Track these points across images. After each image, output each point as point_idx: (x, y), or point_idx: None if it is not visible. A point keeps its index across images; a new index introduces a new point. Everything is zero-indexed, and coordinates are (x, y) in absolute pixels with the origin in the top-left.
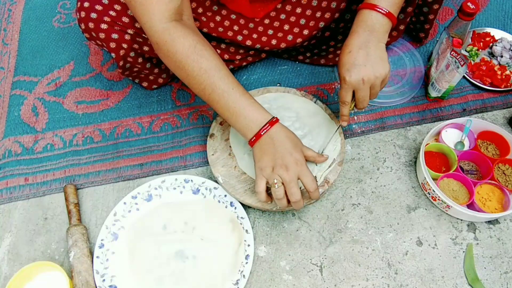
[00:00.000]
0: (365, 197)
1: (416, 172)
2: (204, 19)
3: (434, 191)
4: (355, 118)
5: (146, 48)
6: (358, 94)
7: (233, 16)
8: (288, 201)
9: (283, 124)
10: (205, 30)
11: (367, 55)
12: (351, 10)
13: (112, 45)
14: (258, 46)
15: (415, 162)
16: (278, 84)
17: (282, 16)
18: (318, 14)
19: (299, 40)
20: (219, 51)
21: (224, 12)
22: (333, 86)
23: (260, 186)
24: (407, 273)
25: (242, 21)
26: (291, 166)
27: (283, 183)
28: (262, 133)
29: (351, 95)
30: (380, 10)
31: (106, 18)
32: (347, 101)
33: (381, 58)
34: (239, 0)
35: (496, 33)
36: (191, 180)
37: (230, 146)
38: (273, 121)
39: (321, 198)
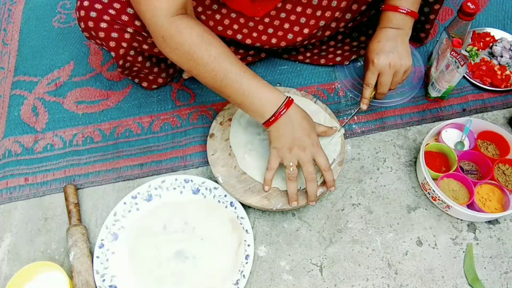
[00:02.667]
0: (365, 197)
1: (416, 172)
2: (203, 17)
3: (434, 191)
4: (355, 118)
5: (145, 47)
6: (382, 78)
7: (233, 15)
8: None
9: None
10: None
11: (395, 46)
12: (352, 10)
13: (112, 44)
14: (258, 44)
15: (415, 162)
16: (278, 84)
17: (283, 15)
18: (319, 13)
19: (299, 39)
20: None
21: (224, 10)
22: (333, 86)
23: (274, 164)
24: (407, 273)
25: (242, 20)
26: (308, 147)
27: (297, 165)
28: (282, 113)
29: (376, 79)
30: (402, 11)
31: (106, 17)
32: (371, 83)
33: (407, 51)
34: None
35: (496, 33)
36: (191, 180)
37: (230, 146)
38: (289, 100)
39: (321, 198)
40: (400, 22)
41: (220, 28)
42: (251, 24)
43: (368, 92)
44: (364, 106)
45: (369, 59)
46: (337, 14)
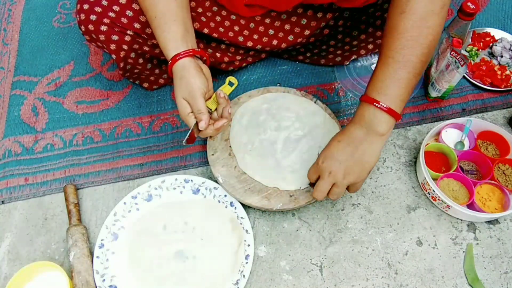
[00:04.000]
0: (365, 197)
1: (416, 172)
2: (203, 19)
3: (434, 191)
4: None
5: (146, 48)
6: (320, 182)
7: (233, 17)
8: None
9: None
10: (206, 31)
11: (351, 156)
12: (350, 8)
13: (113, 46)
14: (259, 46)
15: (415, 162)
16: (278, 84)
17: (283, 16)
18: (320, 14)
19: (300, 40)
20: (219, 53)
21: (224, 12)
22: (333, 86)
23: (313, 176)
24: (407, 273)
25: (242, 21)
26: (354, 177)
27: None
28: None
29: (315, 177)
30: (379, 106)
31: (106, 20)
32: (311, 179)
33: (362, 166)
34: (235, 2)
35: (496, 33)
36: (191, 180)
37: (230, 146)
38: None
39: None
40: (373, 119)
41: (221, 29)
42: (251, 25)
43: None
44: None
45: (320, 155)
46: (337, 14)
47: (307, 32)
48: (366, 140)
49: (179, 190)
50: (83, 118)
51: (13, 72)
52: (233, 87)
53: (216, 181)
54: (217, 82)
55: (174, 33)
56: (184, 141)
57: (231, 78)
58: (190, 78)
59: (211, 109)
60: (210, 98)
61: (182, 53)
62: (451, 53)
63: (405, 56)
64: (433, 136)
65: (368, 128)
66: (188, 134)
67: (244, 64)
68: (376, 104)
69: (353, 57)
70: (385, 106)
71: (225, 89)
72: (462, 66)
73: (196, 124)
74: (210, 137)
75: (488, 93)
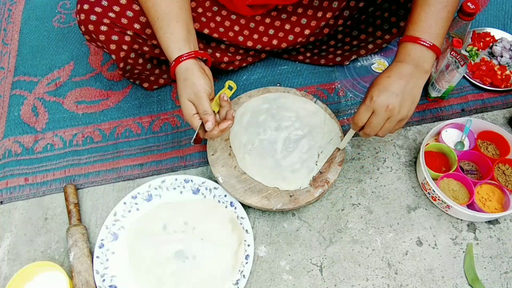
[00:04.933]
0: (365, 197)
1: (416, 172)
2: (203, 19)
3: (434, 191)
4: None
5: (146, 48)
6: (373, 119)
7: (233, 17)
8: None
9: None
10: (206, 31)
11: (404, 88)
12: (350, 7)
13: (112, 46)
14: (259, 46)
15: (415, 162)
16: (278, 84)
17: (283, 16)
18: (320, 14)
19: (300, 39)
20: (218, 53)
21: (224, 12)
22: (333, 86)
23: (364, 116)
24: (407, 273)
25: (242, 21)
26: (406, 111)
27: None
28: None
29: (367, 117)
30: (424, 43)
31: (106, 20)
32: (361, 121)
33: (413, 100)
34: (236, 2)
35: (496, 33)
36: (191, 180)
37: (230, 146)
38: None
39: (321, 198)
40: (419, 57)
41: (221, 29)
42: (252, 25)
43: (352, 132)
44: (342, 145)
45: (369, 93)
46: (337, 13)
47: (307, 31)
48: (415, 76)
49: (179, 190)
50: (83, 118)
51: (13, 72)
52: (232, 91)
53: (216, 181)
54: (217, 82)
55: (176, 35)
56: (192, 142)
57: (230, 83)
58: (195, 80)
59: (214, 111)
60: (212, 100)
61: (185, 55)
62: (451, 53)
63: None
64: (433, 136)
65: (416, 65)
66: (195, 135)
67: (244, 64)
68: (423, 43)
69: (353, 57)
70: (430, 43)
71: (225, 91)
72: (462, 66)
73: (202, 125)
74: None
75: (488, 93)
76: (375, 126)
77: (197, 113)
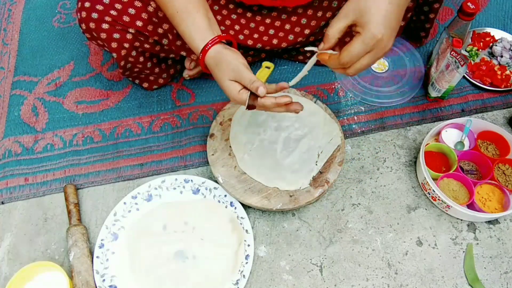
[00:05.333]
0: (365, 197)
1: (416, 172)
2: None
3: (434, 191)
4: (355, 118)
5: (147, 46)
6: (367, 60)
7: (234, 16)
8: None
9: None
10: None
11: (397, 24)
12: None
13: (114, 45)
14: (259, 45)
15: (415, 162)
16: None
17: (284, 16)
18: (320, 14)
19: (300, 39)
20: None
21: (224, 12)
22: (333, 86)
23: (360, 55)
24: (407, 273)
25: (243, 21)
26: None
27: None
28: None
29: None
30: None
31: (107, 18)
32: (353, 60)
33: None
34: None
35: (496, 33)
36: (191, 180)
37: (230, 146)
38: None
39: (321, 198)
40: None
41: (222, 28)
42: (252, 25)
43: (328, 47)
44: (293, 83)
45: (368, 28)
46: (337, 13)
47: (307, 31)
48: (403, 8)
49: (179, 190)
50: (83, 118)
51: (13, 72)
52: (270, 70)
53: (216, 181)
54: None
55: (198, 25)
56: (245, 107)
57: (266, 63)
58: (228, 58)
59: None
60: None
61: (210, 42)
62: (451, 53)
63: None
64: (433, 136)
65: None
66: (246, 103)
67: None
68: None
69: None
70: None
71: (263, 73)
72: (462, 66)
73: (250, 96)
74: (211, 137)
75: (488, 93)
76: (365, 67)
77: (243, 87)
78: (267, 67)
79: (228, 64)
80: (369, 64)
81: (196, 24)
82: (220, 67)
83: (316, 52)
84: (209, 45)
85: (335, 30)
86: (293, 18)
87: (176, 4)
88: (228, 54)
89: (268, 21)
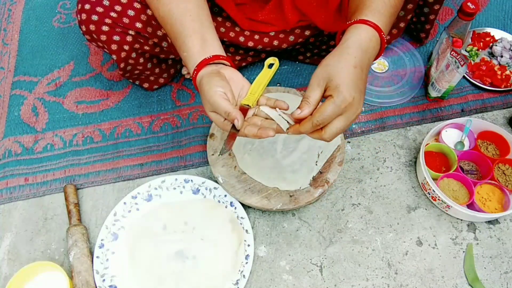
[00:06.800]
0: (365, 197)
1: (416, 172)
2: None
3: (434, 191)
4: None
5: (147, 48)
6: (340, 123)
7: None
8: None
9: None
10: None
11: (364, 85)
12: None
13: (114, 47)
14: (260, 47)
15: (415, 162)
16: (278, 84)
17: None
18: None
19: (300, 40)
20: None
21: (224, 14)
22: None
23: (331, 118)
24: (407, 273)
25: None
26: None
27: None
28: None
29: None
30: (376, 28)
31: (107, 20)
32: (326, 122)
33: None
34: (226, 2)
35: (496, 33)
36: (191, 180)
37: None
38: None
39: (321, 198)
40: (373, 45)
41: (222, 29)
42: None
43: (307, 112)
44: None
45: (340, 91)
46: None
47: (307, 32)
48: (367, 69)
49: (179, 190)
50: (83, 118)
51: (13, 72)
52: (273, 68)
53: (216, 181)
54: None
55: (191, 50)
56: (219, 153)
57: (270, 60)
58: (206, 88)
59: (248, 105)
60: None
61: (196, 69)
62: (451, 53)
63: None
64: (433, 136)
65: (370, 57)
66: (223, 143)
67: (244, 64)
68: (382, 34)
69: None
70: (387, 39)
71: (264, 74)
72: (462, 66)
73: (233, 127)
74: (211, 137)
75: (488, 93)
76: (341, 130)
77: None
78: (270, 65)
79: (205, 96)
80: (343, 127)
81: (190, 50)
82: (202, 98)
83: (288, 128)
84: (195, 72)
85: (313, 100)
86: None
87: (174, 29)
88: (205, 84)
89: None
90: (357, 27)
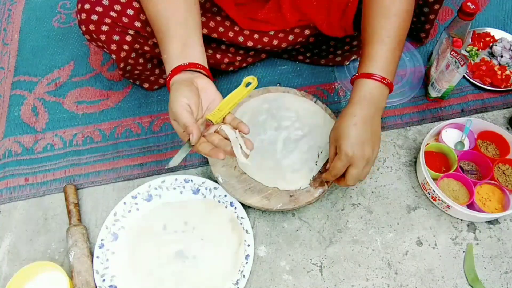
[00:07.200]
0: (365, 197)
1: (416, 172)
2: (203, 19)
3: (434, 191)
4: None
5: (147, 48)
6: (353, 171)
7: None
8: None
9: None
10: (205, 31)
11: (371, 133)
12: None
13: (113, 46)
14: (259, 46)
15: (415, 162)
16: (278, 84)
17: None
18: None
19: (300, 39)
20: (219, 54)
21: (224, 13)
22: (333, 86)
23: (341, 171)
24: (407, 273)
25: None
26: (377, 150)
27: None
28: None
29: (344, 170)
30: (384, 81)
31: (107, 20)
32: (339, 173)
33: (378, 137)
34: (225, 2)
35: (496, 33)
36: (191, 180)
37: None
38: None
39: (321, 198)
40: (380, 95)
41: (221, 29)
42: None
43: (331, 178)
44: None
45: (342, 149)
46: None
47: (307, 32)
48: (377, 115)
49: (179, 190)
50: (83, 118)
51: (13, 72)
52: (250, 87)
53: (216, 181)
54: (217, 82)
55: (170, 54)
56: (167, 164)
57: (249, 79)
58: (172, 97)
59: (211, 121)
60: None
61: (171, 72)
62: (451, 53)
63: (400, 36)
64: (433, 136)
65: (376, 104)
66: (177, 154)
67: (244, 65)
68: (384, 81)
69: (353, 57)
70: (389, 81)
71: (238, 92)
72: (462, 66)
73: (189, 141)
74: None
75: (488, 93)
76: (357, 176)
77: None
78: (249, 83)
79: (170, 103)
80: (358, 173)
81: (169, 54)
82: (169, 103)
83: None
84: (169, 76)
85: (331, 154)
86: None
87: (159, 31)
88: (173, 91)
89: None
90: (361, 82)
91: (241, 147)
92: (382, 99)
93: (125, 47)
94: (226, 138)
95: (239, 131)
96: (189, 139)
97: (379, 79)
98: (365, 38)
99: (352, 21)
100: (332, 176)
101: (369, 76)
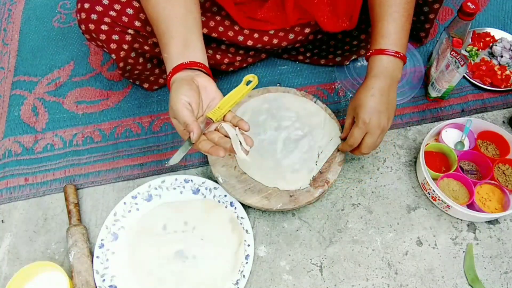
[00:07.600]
0: (365, 197)
1: (416, 172)
2: (203, 19)
3: (434, 191)
4: None
5: (146, 48)
6: (369, 139)
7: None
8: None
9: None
10: (205, 30)
11: (388, 104)
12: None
13: (113, 46)
14: (259, 45)
15: (415, 162)
16: (278, 84)
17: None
18: None
19: (300, 38)
20: (219, 54)
21: (223, 13)
22: (333, 86)
23: (358, 139)
24: (407, 273)
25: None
26: (391, 121)
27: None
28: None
29: (361, 139)
30: (397, 55)
31: (107, 19)
32: (356, 143)
33: (394, 109)
34: (225, 1)
35: (496, 33)
36: (191, 180)
37: None
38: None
39: (321, 198)
40: (394, 68)
41: (221, 29)
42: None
43: (348, 148)
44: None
45: (359, 117)
46: None
47: (307, 30)
48: (392, 87)
49: (179, 190)
50: (83, 118)
51: (13, 72)
52: (250, 86)
53: (216, 181)
54: (217, 82)
55: (171, 53)
56: (167, 162)
57: (249, 77)
58: (172, 95)
59: (212, 119)
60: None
61: (172, 71)
62: (451, 53)
63: (408, 10)
64: (433, 136)
65: (391, 77)
66: (177, 153)
67: (244, 65)
68: (397, 55)
69: (353, 57)
70: (402, 54)
71: (239, 90)
72: (462, 66)
73: (189, 139)
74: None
75: (488, 93)
76: (372, 144)
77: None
78: (249, 81)
79: (170, 101)
80: (373, 141)
81: (170, 52)
82: (169, 101)
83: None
84: (170, 75)
85: (347, 124)
86: None
87: (159, 29)
88: (173, 89)
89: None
90: (376, 58)
91: (241, 143)
92: (398, 71)
93: (125, 46)
94: (226, 136)
95: (239, 128)
96: (189, 137)
97: (393, 54)
98: (374, 15)
99: (361, 4)
100: (349, 146)
101: (382, 52)
